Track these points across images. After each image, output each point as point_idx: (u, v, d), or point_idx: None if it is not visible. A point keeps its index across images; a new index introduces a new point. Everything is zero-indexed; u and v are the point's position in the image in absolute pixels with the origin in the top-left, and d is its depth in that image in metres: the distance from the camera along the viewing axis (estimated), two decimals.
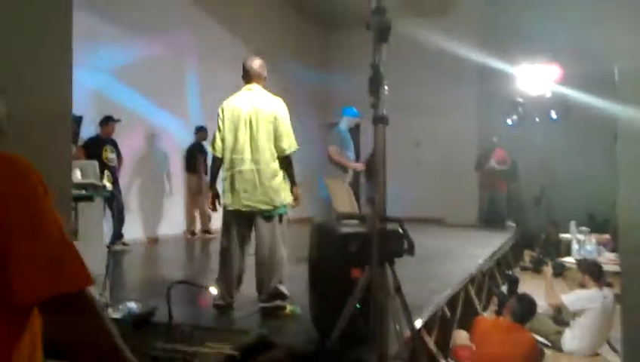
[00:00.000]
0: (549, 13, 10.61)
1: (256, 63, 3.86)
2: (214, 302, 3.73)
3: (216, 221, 7.99)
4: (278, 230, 3.73)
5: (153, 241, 8.11)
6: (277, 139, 3.68)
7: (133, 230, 7.61)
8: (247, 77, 3.85)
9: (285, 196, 3.75)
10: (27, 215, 1.02)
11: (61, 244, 1.05)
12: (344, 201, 6.41)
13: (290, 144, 3.72)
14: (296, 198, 3.85)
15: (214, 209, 3.99)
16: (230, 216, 3.80)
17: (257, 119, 3.67)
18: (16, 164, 1.06)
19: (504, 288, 6.18)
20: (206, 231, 8.57)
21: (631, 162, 2.68)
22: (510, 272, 6.87)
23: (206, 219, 8.54)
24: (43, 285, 1.00)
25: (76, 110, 5.68)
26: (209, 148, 4.00)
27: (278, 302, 3.67)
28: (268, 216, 3.69)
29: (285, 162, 3.75)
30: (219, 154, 3.82)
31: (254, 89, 3.81)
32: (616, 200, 2.87)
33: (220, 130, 3.81)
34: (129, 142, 7.66)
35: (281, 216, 3.75)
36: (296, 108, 11.07)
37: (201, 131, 8.47)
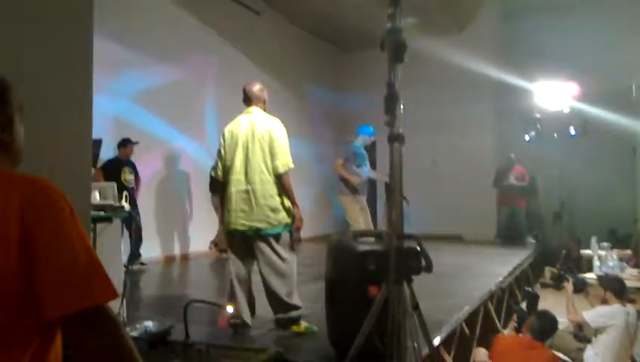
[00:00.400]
0: (565, 30, 10.62)
1: (256, 87, 3.97)
2: (230, 320, 3.76)
3: None
4: (279, 246, 3.74)
5: (171, 261, 8.16)
6: (272, 157, 3.73)
7: (152, 250, 7.67)
8: (247, 100, 3.96)
9: (284, 216, 3.76)
10: (54, 233, 1.05)
11: (87, 259, 1.08)
12: (357, 218, 6.42)
13: (284, 163, 3.74)
14: (295, 219, 3.82)
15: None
16: (231, 236, 3.86)
17: (253, 139, 3.74)
18: (40, 185, 1.09)
19: (524, 305, 6.10)
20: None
21: None
22: (529, 289, 6.78)
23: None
24: (71, 298, 1.03)
25: (97, 135, 5.85)
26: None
27: (292, 313, 3.68)
28: (266, 235, 3.71)
29: (281, 181, 3.76)
30: (220, 179, 3.91)
31: (253, 112, 3.90)
32: (638, 215, 2.83)
33: (220, 156, 3.90)
34: (149, 164, 7.79)
35: (279, 234, 3.76)
36: (313, 128, 11.31)
37: None
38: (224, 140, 3.89)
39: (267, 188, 3.72)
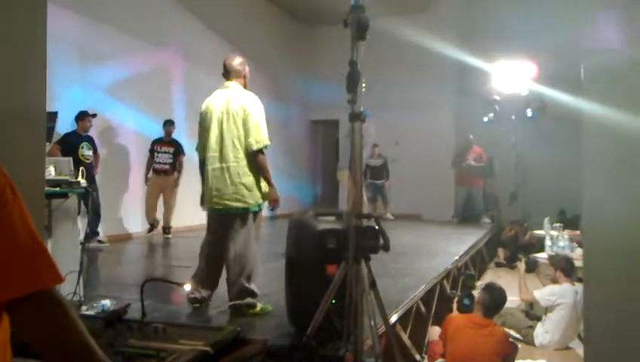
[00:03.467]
0: (526, 11, 10.74)
1: (236, 61, 3.80)
2: (189, 295, 3.72)
3: (180, 219, 8.18)
4: (251, 229, 3.65)
5: (129, 238, 8.05)
6: (245, 134, 3.59)
7: (113, 227, 7.56)
8: (227, 74, 3.81)
9: (259, 196, 3.66)
10: None
11: (29, 242, 1.03)
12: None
13: (258, 139, 3.58)
14: (272, 200, 3.74)
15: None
16: (208, 215, 3.81)
17: (228, 115, 3.61)
18: None
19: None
20: (166, 229, 8.18)
21: (595, 158, 2.73)
22: (468, 271, 6.88)
23: (168, 217, 8.20)
24: (10, 284, 0.98)
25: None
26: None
27: (248, 300, 3.60)
28: (241, 215, 3.63)
29: (255, 160, 3.63)
30: (200, 157, 3.81)
31: (230, 86, 3.76)
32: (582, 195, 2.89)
33: (199, 133, 3.81)
34: (110, 141, 7.77)
35: (255, 214, 3.68)
36: (281, 106, 11.19)
37: (167, 125, 8.12)
38: (201, 116, 3.77)
39: (242, 165, 3.59)
